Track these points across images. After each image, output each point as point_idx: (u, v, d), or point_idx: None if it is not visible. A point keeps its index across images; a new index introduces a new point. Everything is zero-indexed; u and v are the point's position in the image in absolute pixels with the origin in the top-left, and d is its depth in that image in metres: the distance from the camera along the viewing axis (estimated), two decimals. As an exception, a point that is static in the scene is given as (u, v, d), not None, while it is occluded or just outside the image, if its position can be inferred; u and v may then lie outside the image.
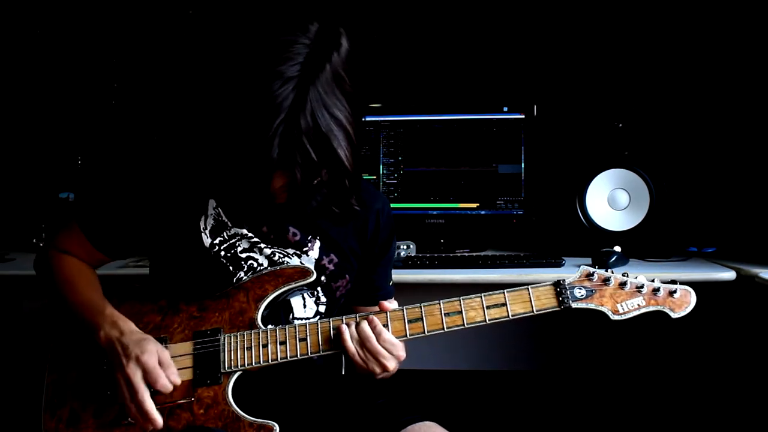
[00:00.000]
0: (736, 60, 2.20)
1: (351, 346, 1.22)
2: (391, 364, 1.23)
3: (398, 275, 1.87)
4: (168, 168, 1.32)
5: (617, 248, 1.96)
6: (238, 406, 1.23)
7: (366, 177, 2.26)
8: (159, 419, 1.19)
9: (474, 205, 2.23)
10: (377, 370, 1.23)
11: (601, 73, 2.31)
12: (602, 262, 1.89)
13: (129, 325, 1.24)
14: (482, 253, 2.14)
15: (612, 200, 2.11)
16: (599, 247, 1.98)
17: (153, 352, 1.19)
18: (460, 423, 1.47)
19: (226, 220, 1.30)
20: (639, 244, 2.06)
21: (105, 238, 1.34)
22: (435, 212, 2.25)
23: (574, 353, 2.37)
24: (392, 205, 2.22)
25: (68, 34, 2.43)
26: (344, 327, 1.23)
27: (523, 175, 2.21)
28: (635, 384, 2.34)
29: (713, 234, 2.19)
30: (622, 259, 1.93)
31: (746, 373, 2.12)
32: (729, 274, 1.80)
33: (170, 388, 1.20)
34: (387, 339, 1.22)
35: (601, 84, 2.31)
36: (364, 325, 1.22)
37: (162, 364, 1.20)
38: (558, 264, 1.91)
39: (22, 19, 2.43)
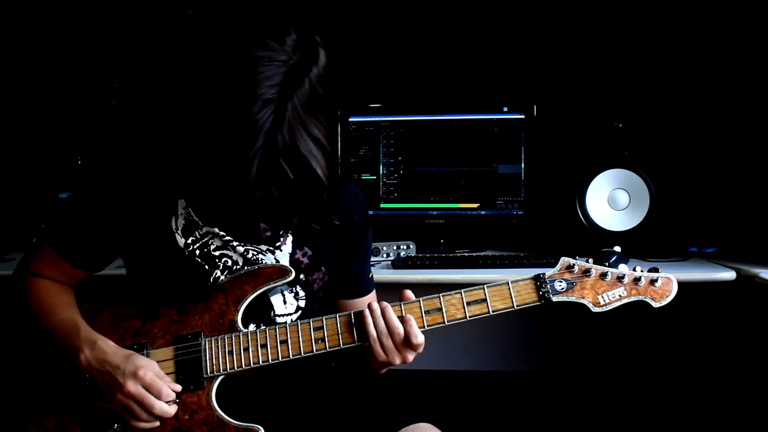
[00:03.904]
0: (736, 60, 2.20)
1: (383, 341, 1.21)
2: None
3: (398, 275, 1.88)
4: (135, 170, 1.29)
5: (617, 248, 1.94)
6: (225, 410, 1.23)
7: (366, 177, 2.26)
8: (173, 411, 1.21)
9: (474, 205, 2.23)
10: (397, 360, 1.22)
11: (601, 74, 2.31)
12: (602, 262, 1.88)
13: (109, 344, 1.23)
14: (482, 253, 2.14)
15: (612, 200, 2.11)
16: (599, 247, 1.96)
17: (146, 366, 1.19)
18: (457, 424, 1.47)
19: (196, 219, 1.29)
20: (639, 244, 2.06)
21: (78, 252, 1.31)
22: (435, 212, 2.25)
23: (573, 354, 2.37)
24: (392, 205, 2.25)
25: (68, 34, 2.43)
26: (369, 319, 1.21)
27: (523, 175, 2.21)
28: (635, 384, 2.33)
29: (713, 234, 2.19)
30: (622, 259, 1.91)
31: (746, 373, 2.12)
32: (729, 274, 1.80)
33: (173, 397, 1.20)
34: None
35: (601, 84, 2.31)
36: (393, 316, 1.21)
37: (157, 376, 1.20)
38: (558, 264, 1.91)
39: (22, 19, 2.43)
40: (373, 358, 1.22)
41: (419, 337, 1.20)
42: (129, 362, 1.19)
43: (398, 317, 1.21)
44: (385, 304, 1.22)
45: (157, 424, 1.21)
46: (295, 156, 1.09)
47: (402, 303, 1.23)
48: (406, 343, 1.20)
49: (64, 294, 1.33)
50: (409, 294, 1.25)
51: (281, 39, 1.10)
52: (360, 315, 1.22)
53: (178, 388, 1.22)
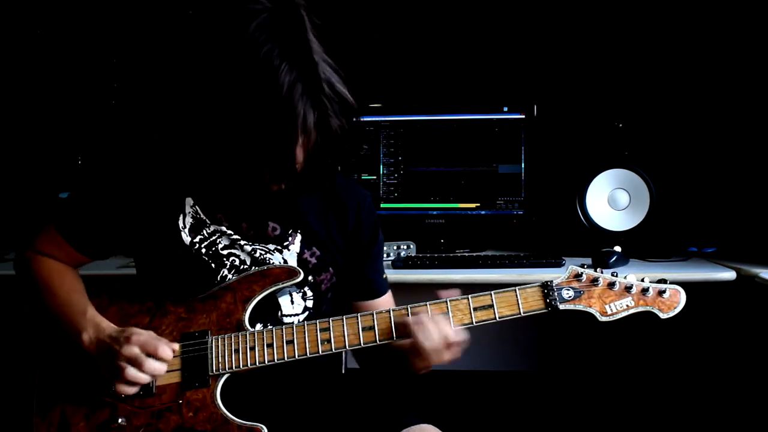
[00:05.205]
0: (736, 60, 2.20)
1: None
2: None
3: (398, 275, 1.88)
4: (144, 166, 1.30)
5: (617, 248, 1.96)
6: (229, 408, 1.23)
7: (366, 177, 2.26)
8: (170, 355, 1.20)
9: (474, 205, 2.23)
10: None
11: (601, 74, 2.31)
12: (602, 262, 1.88)
13: (111, 325, 1.24)
14: (482, 253, 2.14)
15: (612, 200, 2.11)
16: (599, 247, 1.98)
17: (141, 331, 1.20)
18: (458, 424, 1.47)
19: (204, 218, 1.29)
20: (639, 244, 2.06)
21: (82, 237, 1.32)
22: (435, 212, 2.25)
23: (575, 354, 2.37)
24: (392, 205, 2.25)
25: (68, 34, 2.43)
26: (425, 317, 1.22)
27: (523, 175, 2.21)
28: (635, 384, 2.34)
29: (713, 234, 2.19)
30: (622, 259, 1.93)
31: (746, 373, 2.12)
32: (729, 274, 1.80)
33: (171, 355, 1.20)
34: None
35: (601, 84, 2.31)
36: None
37: (153, 337, 1.20)
38: (558, 264, 1.91)
39: (22, 19, 2.43)
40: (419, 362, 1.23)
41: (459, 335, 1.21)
42: (126, 331, 1.20)
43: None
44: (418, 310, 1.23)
45: (135, 389, 1.20)
46: (328, 84, 1.09)
47: (410, 307, 1.24)
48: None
49: (71, 275, 1.33)
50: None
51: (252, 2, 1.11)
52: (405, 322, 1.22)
53: (176, 346, 1.22)
